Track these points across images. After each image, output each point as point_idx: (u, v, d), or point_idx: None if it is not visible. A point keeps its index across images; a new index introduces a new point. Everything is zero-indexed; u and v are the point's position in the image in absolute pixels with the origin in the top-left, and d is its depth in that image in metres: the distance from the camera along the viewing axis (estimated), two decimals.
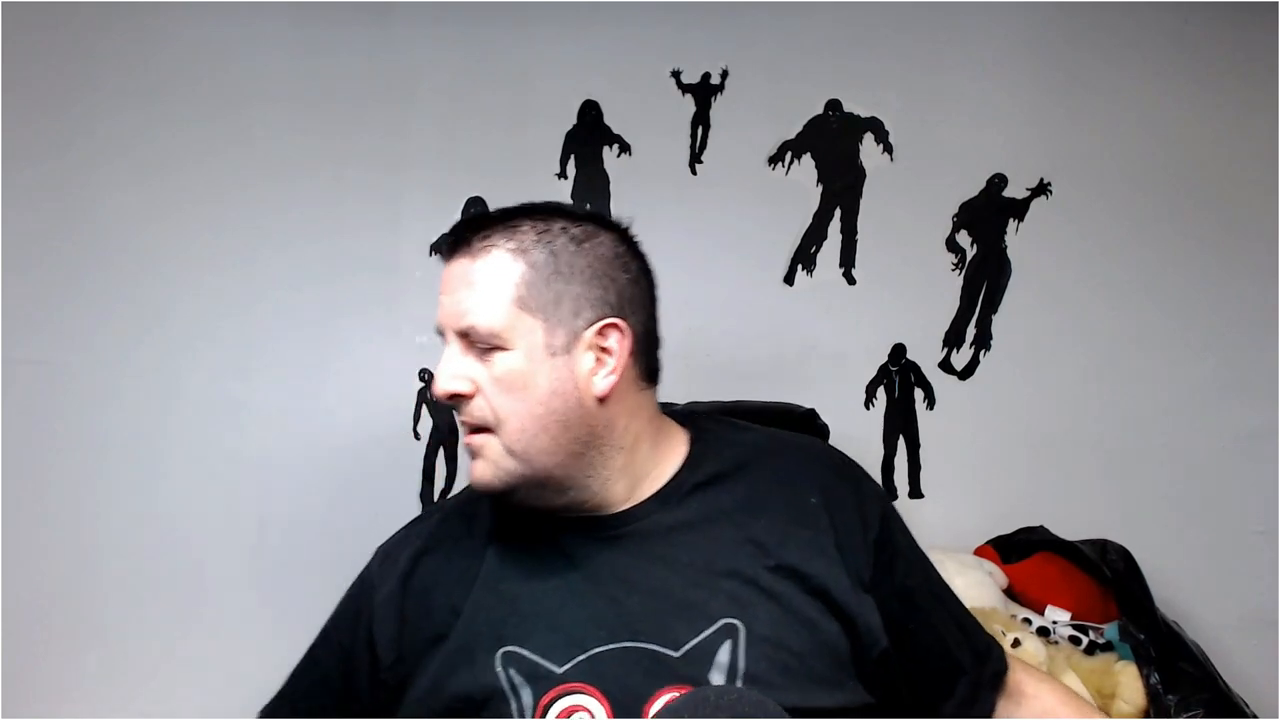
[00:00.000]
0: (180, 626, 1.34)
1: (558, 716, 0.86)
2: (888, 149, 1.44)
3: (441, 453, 1.40)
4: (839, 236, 1.45)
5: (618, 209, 1.39)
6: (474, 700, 0.87)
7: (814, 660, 0.87)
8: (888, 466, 1.45)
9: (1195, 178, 1.48)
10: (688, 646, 0.87)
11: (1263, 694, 1.33)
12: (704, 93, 1.39)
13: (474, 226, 0.91)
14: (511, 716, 0.85)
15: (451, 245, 0.92)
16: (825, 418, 1.22)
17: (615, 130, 1.38)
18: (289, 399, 1.34)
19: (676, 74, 1.38)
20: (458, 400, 0.90)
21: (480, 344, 0.89)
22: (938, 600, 0.97)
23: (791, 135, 1.42)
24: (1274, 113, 1.46)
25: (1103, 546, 1.35)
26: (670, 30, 1.36)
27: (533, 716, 0.85)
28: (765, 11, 1.38)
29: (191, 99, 1.27)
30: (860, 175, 1.44)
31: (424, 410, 1.39)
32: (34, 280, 1.26)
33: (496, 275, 0.88)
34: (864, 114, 1.43)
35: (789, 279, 1.46)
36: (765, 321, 1.44)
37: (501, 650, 0.88)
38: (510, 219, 0.91)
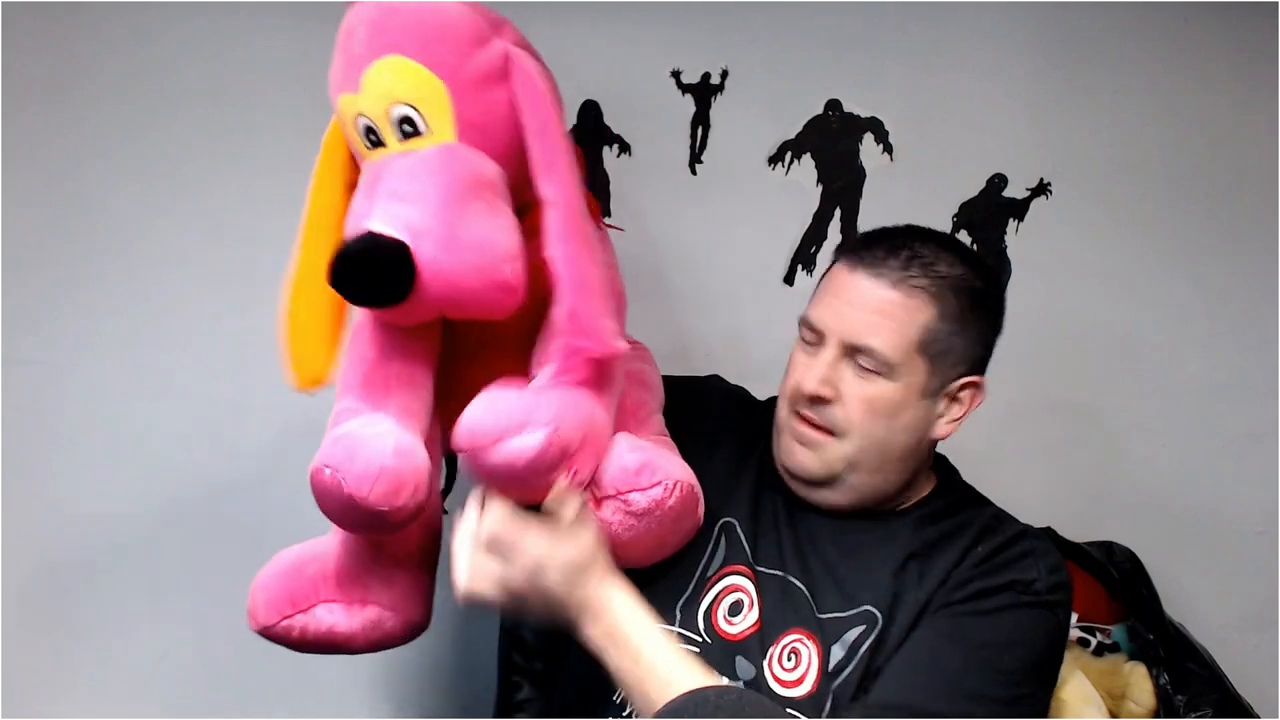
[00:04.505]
0: (181, 627, 1.34)
1: (726, 585, 0.98)
2: (888, 149, 1.44)
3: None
4: (839, 236, 1.45)
5: (617, 209, 1.38)
6: None
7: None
8: None
9: (1195, 178, 1.48)
10: (831, 614, 0.95)
11: (1263, 694, 1.33)
12: (704, 93, 1.39)
13: (889, 247, 0.94)
14: (700, 556, 0.99)
15: (863, 260, 0.95)
16: None
17: (615, 130, 1.38)
18: (289, 399, 1.34)
19: (676, 74, 1.38)
20: (815, 401, 0.94)
21: (864, 363, 0.93)
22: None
23: (791, 135, 1.42)
24: (1274, 113, 1.46)
25: (1108, 548, 1.35)
26: (670, 30, 1.36)
27: (715, 574, 0.98)
28: (765, 11, 1.38)
29: (192, 97, 1.27)
30: (860, 175, 1.44)
31: None
32: (34, 280, 1.26)
33: (911, 315, 0.92)
34: (864, 114, 1.42)
35: (789, 279, 1.45)
36: (765, 321, 1.44)
37: (724, 518, 1.01)
38: (922, 246, 0.95)
